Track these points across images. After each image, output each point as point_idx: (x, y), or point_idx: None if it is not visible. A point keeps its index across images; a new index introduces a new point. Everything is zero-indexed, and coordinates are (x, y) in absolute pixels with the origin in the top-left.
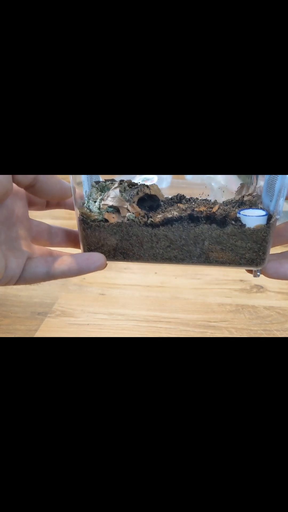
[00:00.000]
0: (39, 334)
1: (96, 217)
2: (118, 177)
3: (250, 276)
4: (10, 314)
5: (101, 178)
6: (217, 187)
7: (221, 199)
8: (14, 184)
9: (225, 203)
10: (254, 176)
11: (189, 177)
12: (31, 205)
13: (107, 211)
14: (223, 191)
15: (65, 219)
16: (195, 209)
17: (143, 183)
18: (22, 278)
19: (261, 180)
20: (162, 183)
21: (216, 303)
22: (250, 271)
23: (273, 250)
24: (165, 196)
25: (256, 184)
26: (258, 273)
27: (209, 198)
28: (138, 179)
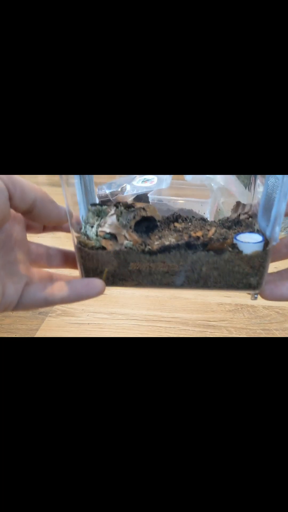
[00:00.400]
0: (40, 333)
1: (93, 244)
2: (118, 179)
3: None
4: (11, 314)
5: (96, 191)
6: (217, 188)
7: (221, 199)
8: (11, 209)
9: (222, 223)
10: (252, 180)
11: (189, 177)
12: (29, 228)
13: (105, 238)
14: (223, 203)
15: (66, 237)
16: (192, 234)
17: (139, 206)
18: (20, 305)
19: (258, 194)
20: (162, 183)
21: (215, 302)
22: (248, 293)
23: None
24: (161, 215)
25: (252, 202)
26: (256, 296)
27: (205, 216)
28: (138, 179)
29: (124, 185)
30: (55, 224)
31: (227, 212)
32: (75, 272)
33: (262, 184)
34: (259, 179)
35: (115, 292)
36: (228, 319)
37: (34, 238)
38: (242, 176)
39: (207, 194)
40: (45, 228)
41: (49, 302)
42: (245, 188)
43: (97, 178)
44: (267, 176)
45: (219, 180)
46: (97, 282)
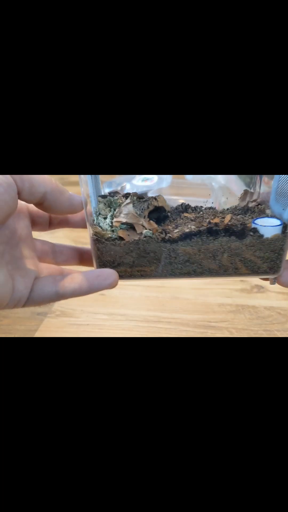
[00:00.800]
0: (38, 334)
1: (109, 235)
2: (118, 178)
3: (257, 276)
4: (10, 314)
5: (100, 182)
6: (217, 187)
7: (222, 199)
8: (18, 204)
9: (231, 211)
10: (257, 180)
11: (189, 177)
12: (34, 225)
13: (121, 228)
14: (227, 198)
15: (65, 237)
16: (211, 220)
17: (151, 195)
18: (31, 299)
19: (264, 185)
20: (162, 183)
21: (216, 303)
22: (266, 279)
23: None
24: (170, 206)
25: (260, 190)
26: (275, 281)
27: (213, 205)
28: (138, 178)
29: (124, 184)
30: (70, 213)
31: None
32: (83, 269)
33: (265, 183)
34: (264, 178)
35: (114, 292)
36: (229, 319)
37: (35, 235)
38: (244, 175)
39: (208, 193)
40: (51, 225)
41: (60, 295)
42: (248, 187)
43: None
44: None
45: (220, 179)
46: (109, 271)
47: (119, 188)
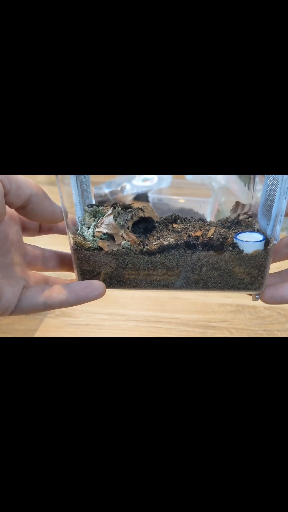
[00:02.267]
0: (38, 334)
1: (90, 245)
2: (118, 178)
3: (239, 291)
4: None
5: (92, 190)
6: (217, 187)
7: (222, 199)
8: (8, 209)
9: (221, 223)
10: (251, 184)
11: (189, 177)
12: (24, 230)
13: (101, 239)
14: (224, 202)
15: (61, 244)
16: (191, 234)
17: (137, 207)
18: (18, 309)
19: (258, 192)
20: (162, 183)
21: (216, 303)
22: (249, 294)
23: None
24: (159, 216)
25: (252, 202)
26: (257, 297)
27: (203, 217)
28: (138, 178)
29: (124, 184)
30: (49, 222)
31: (228, 212)
32: (72, 275)
33: (260, 182)
34: (258, 177)
35: (114, 292)
36: (229, 320)
37: (30, 240)
38: (243, 175)
39: (208, 193)
40: (40, 230)
41: (48, 306)
42: (245, 186)
43: (96, 177)
44: (266, 175)
45: (220, 179)
46: (97, 284)
47: (119, 189)
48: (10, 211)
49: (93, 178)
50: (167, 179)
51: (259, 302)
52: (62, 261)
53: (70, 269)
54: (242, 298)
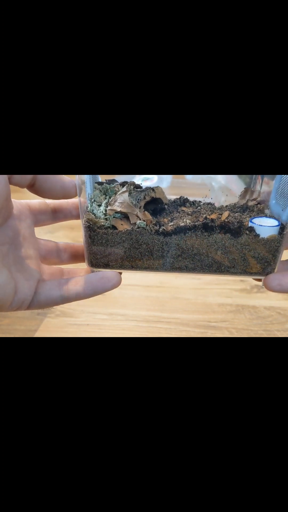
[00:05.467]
0: (38, 334)
1: (102, 223)
2: (117, 178)
3: (250, 276)
4: (9, 314)
5: (100, 178)
6: (217, 187)
7: (222, 199)
8: (18, 203)
9: (230, 208)
10: (258, 179)
11: (189, 177)
12: (37, 222)
13: (115, 217)
14: (226, 195)
15: (65, 237)
16: (207, 216)
17: (149, 186)
18: (36, 302)
19: (265, 185)
20: (162, 183)
21: (216, 303)
22: (258, 279)
23: None
24: (168, 198)
25: (260, 189)
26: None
27: (211, 201)
28: (137, 178)
29: None
30: (62, 197)
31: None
32: (84, 266)
33: (266, 183)
34: (265, 178)
35: (115, 292)
36: (229, 319)
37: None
38: (244, 175)
39: (208, 193)
40: (55, 218)
41: (65, 298)
42: (248, 187)
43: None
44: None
45: (220, 179)
46: (113, 274)
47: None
48: (20, 206)
49: None
50: (167, 179)
51: (260, 303)
52: (76, 253)
53: (84, 260)
54: (242, 298)
